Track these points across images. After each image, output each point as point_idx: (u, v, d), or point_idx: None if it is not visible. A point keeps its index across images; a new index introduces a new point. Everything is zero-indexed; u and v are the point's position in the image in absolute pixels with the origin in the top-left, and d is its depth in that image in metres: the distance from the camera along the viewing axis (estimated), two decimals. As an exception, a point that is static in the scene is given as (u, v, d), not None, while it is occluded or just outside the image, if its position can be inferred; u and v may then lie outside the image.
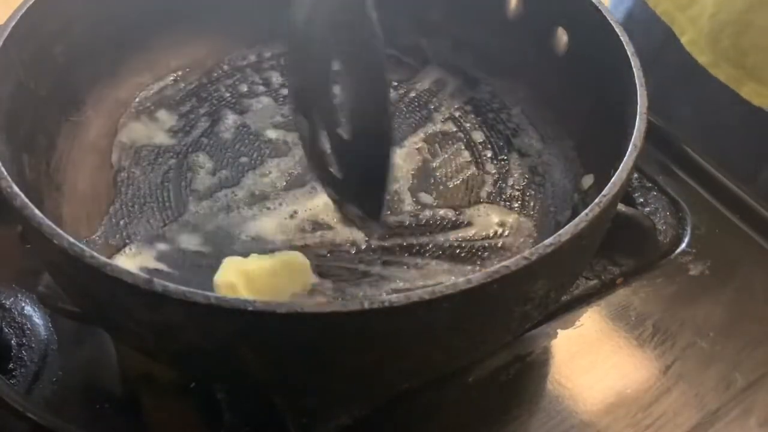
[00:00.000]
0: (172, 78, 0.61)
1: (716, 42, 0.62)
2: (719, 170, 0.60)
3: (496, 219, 0.53)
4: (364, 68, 0.42)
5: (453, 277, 0.50)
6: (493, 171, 0.56)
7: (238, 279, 0.45)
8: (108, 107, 0.58)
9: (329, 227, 0.52)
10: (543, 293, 0.43)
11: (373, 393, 0.48)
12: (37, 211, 0.38)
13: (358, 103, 0.44)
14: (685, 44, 0.64)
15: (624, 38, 0.48)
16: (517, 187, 0.55)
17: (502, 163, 0.57)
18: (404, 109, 0.60)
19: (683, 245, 0.56)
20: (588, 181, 0.53)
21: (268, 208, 0.53)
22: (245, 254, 0.50)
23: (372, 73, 0.42)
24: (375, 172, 0.43)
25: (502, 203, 0.54)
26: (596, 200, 0.39)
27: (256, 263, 0.47)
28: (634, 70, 0.46)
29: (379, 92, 0.42)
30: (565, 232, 0.38)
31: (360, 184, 0.46)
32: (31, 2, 0.49)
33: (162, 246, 0.51)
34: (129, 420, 0.47)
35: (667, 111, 0.67)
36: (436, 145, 0.58)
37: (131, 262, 0.50)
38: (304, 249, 0.50)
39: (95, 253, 0.36)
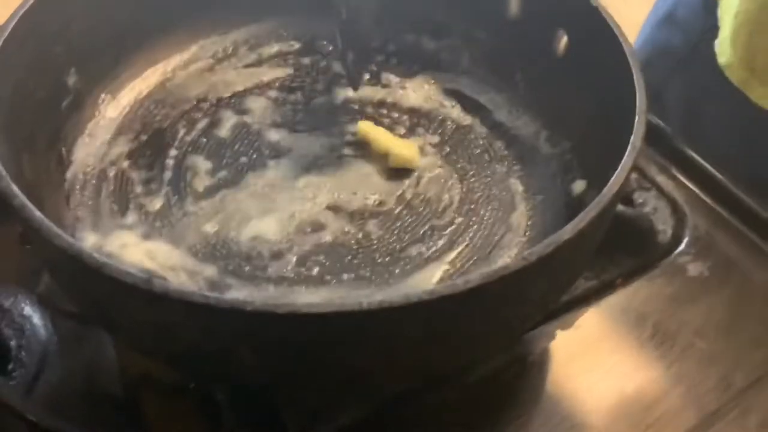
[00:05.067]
0: (171, 78, 0.61)
1: (735, 43, 0.61)
2: (719, 171, 0.60)
3: (494, 219, 0.53)
4: None
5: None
6: (493, 171, 0.56)
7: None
8: (108, 107, 0.58)
9: (329, 228, 0.52)
10: (543, 293, 0.43)
11: (373, 393, 0.48)
12: (37, 212, 0.38)
13: None
14: (716, 45, 0.64)
15: (623, 38, 0.48)
16: (515, 188, 0.55)
17: (502, 163, 0.57)
18: (403, 108, 0.60)
19: (683, 245, 0.56)
20: (581, 186, 0.53)
21: (268, 209, 0.53)
22: (245, 255, 0.50)
23: None
24: None
25: (501, 203, 0.54)
26: (596, 200, 0.39)
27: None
28: (634, 70, 0.46)
29: None
30: (565, 232, 0.38)
31: None
32: (31, 2, 0.49)
33: (161, 246, 0.51)
34: (129, 420, 0.47)
35: (698, 114, 0.67)
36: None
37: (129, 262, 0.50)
38: (303, 250, 0.50)
39: (95, 254, 0.36)
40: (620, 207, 0.53)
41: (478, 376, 0.49)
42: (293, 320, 0.34)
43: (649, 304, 0.53)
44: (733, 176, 0.60)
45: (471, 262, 0.51)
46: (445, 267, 0.50)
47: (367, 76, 0.62)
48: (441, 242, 0.52)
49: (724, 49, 0.63)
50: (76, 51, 0.54)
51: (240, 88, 0.61)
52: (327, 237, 0.51)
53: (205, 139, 0.58)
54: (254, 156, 0.57)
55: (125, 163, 0.56)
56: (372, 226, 0.52)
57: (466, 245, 0.52)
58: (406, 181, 0.55)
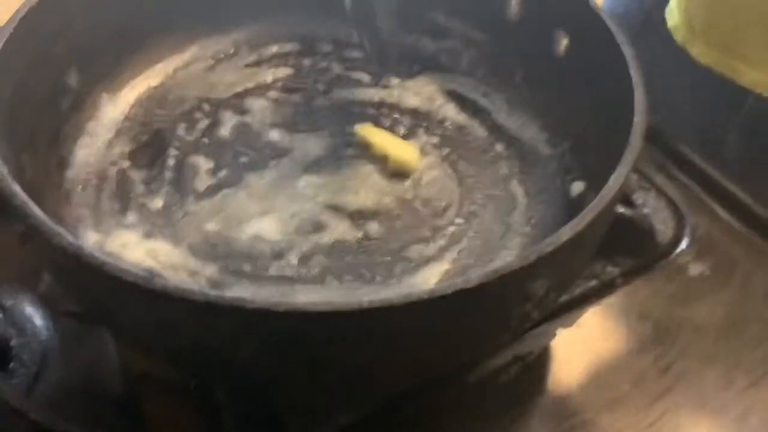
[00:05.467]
0: (171, 78, 0.61)
1: (680, 6, 0.66)
2: (718, 171, 0.60)
3: (494, 219, 0.53)
4: None
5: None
6: (493, 172, 0.56)
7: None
8: (108, 107, 0.58)
9: (329, 228, 0.52)
10: (543, 293, 0.43)
11: (373, 392, 0.48)
12: (37, 211, 0.38)
13: None
14: (666, 11, 0.68)
15: (622, 39, 0.48)
16: (515, 188, 0.55)
17: (501, 163, 0.57)
18: (403, 109, 0.60)
19: (682, 245, 0.56)
20: (580, 186, 0.53)
21: (268, 209, 0.53)
22: (245, 254, 0.50)
23: None
24: None
25: (501, 203, 0.54)
26: (596, 200, 0.40)
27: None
28: (633, 70, 0.46)
29: None
30: (565, 232, 0.38)
31: None
32: (31, 2, 0.49)
33: (162, 246, 0.51)
34: (129, 420, 0.47)
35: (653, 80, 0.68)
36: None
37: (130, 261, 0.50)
38: (304, 250, 0.50)
39: (95, 252, 0.36)
40: (620, 207, 0.53)
41: (478, 376, 0.49)
42: (293, 319, 0.35)
43: (650, 303, 0.53)
44: (683, 136, 0.62)
45: (471, 262, 0.51)
46: (445, 267, 0.50)
47: (367, 77, 0.62)
48: (441, 242, 0.52)
49: (672, 14, 0.68)
50: (77, 51, 0.54)
51: (240, 88, 0.61)
52: (327, 237, 0.51)
53: (205, 139, 0.58)
54: (255, 156, 0.57)
55: (126, 163, 0.56)
56: (372, 226, 0.52)
57: (466, 245, 0.52)
58: (407, 182, 0.55)
